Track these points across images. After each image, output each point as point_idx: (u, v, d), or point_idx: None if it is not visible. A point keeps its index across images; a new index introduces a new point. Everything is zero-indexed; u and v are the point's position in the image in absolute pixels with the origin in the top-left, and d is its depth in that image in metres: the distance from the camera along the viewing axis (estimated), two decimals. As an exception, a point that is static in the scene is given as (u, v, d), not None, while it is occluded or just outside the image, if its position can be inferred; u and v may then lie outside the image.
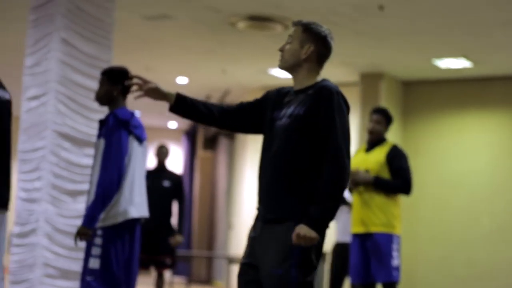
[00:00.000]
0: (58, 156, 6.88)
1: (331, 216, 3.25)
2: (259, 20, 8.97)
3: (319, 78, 3.51)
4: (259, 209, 3.45)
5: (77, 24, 7.01)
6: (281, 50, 3.50)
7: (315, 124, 3.33)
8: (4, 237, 3.97)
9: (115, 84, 4.90)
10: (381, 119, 6.21)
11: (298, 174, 3.31)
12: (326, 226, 3.26)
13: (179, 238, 8.13)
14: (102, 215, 4.70)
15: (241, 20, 9.00)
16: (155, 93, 3.50)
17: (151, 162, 8.79)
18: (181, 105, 3.53)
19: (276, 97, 3.53)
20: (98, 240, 4.70)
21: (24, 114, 7.02)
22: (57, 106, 6.89)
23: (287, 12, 8.70)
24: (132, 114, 4.87)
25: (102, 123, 4.90)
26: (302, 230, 3.19)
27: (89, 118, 6.92)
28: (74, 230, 6.66)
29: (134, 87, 3.53)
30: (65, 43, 6.95)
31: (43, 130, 6.87)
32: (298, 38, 3.47)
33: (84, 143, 6.91)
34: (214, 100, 13.63)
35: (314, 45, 3.47)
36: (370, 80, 11.61)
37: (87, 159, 6.77)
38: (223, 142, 15.46)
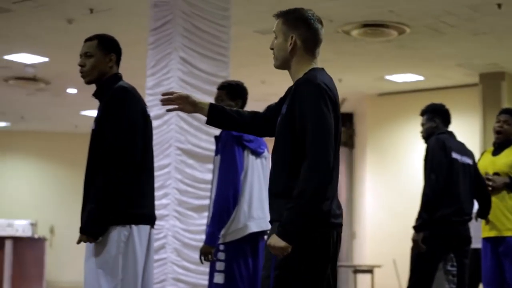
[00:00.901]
0: (183, 172, 7.03)
1: (300, 219, 2.96)
2: (373, 27, 8.91)
3: (314, 66, 3.21)
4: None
5: (195, 43, 7.17)
6: (272, 48, 3.26)
7: (294, 122, 3.07)
8: (152, 251, 4.04)
9: (234, 99, 4.92)
10: (509, 119, 5.99)
11: (286, 175, 3.09)
12: (296, 231, 2.97)
13: None
14: (222, 232, 4.73)
15: (355, 28, 8.95)
16: (188, 103, 3.40)
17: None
18: (216, 116, 3.42)
19: (287, 93, 3.30)
20: (221, 255, 4.73)
21: (149, 133, 7.22)
22: (179, 124, 7.06)
23: (402, 17, 8.59)
24: None
25: (218, 139, 4.93)
26: (272, 240, 3.00)
27: (210, 134, 7.03)
28: (200, 245, 6.78)
29: (165, 101, 3.43)
30: (184, 62, 7.12)
31: (167, 148, 7.04)
32: (281, 31, 3.21)
33: (207, 159, 7.02)
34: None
35: (296, 32, 3.17)
36: (490, 80, 11.30)
37: (211, 174, 6.86)
38: (341, 151, 15.35)
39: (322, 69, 3.24)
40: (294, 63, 3.21)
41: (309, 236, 3.05)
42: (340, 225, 3.19)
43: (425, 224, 5.43)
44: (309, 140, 3.00)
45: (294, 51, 3.19)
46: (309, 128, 3.01)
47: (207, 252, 4.70)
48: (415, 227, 5.50)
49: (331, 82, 3.19)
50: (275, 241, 2.99)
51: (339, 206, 3.19)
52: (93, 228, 3.76)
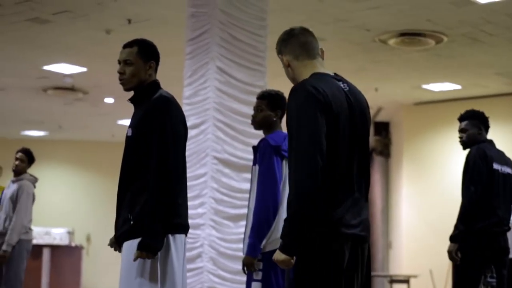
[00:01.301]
0: (219, 182, 7.05)
1: (294, 229, 2.92)
2: (410, 36, 8.86)
3: (317, 70, 3.22)
4: None
5: (232, 52, 7.19)
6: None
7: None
8: (184, 258, 4.03)
9: (274, 109, 4.90)
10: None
11: None
12: (293, 242, 2.93)
13: None
14: (263, 242, 4.73)
15: (392, 37, 8.92)
16: None
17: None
18: None
19: None
20: (259, 265, 4.73)
21: (185, 142, 7.26)
22: (216, 133, 7.08)
23: (439, 26, 8.54)
24: (285, 138, 4.77)
25: (256, 149, 4.93)
26: (275, 255, 3.00)
27: (246, 144, 7.04)
28: (236, 254, 6.79)
29: None
30: (220, 72, 7.14)
31: (204, 157, 7.06)
32: (281, 61, 3.31)
33: (243, 168, 7.04)
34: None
35: (282, 53, 3.29)
36: (529, 89, 11.19)
37: (247, 184, 6.87)
38: (377, 161, 15.32)
39: (324, 73, 3.20)
40: (299, 76, 3.23)
41: (312, 246, 2.99)
42: (355, 235, 3.05)
43: (460, 235, 5.39)
44: (293, 147, 2.97)
45: (293, 67, 3.26)
46: (293, 135, 2.99)
47: (250, 263, 4.71)
48: (450, 238, 5.46)
49: (327, 84, 3.10)
50: (277, 255, 2.99)
51: (355, 216, 3.06)
52: (156, 244, 3.70)
